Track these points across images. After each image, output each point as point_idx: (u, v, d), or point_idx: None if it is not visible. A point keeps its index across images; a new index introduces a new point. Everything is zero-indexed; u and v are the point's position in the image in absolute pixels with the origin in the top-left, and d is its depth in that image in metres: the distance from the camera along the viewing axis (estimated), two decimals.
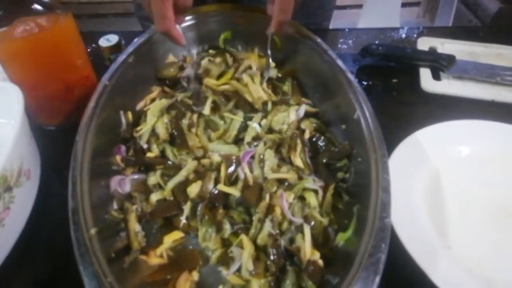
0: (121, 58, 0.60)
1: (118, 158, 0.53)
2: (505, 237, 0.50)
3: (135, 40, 0.63)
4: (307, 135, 0.57)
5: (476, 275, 0.45)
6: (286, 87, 0.66)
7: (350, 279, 0.37)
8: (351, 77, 0.57)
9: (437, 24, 2.03)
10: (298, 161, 0.52)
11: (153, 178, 0.53)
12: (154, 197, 0.51)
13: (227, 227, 0.47)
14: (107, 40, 0.77)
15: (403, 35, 0.90)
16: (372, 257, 0.38)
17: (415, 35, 0.89)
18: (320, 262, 0.43)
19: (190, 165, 0.52)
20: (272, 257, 0.44)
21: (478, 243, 0.49)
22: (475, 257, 0.47)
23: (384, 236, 0.40)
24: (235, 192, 0.48)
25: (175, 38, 0.55)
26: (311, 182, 0.50)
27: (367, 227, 0.41)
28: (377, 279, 0.37)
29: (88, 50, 0.84)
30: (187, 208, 0.48)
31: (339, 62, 0.60)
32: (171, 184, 0.51)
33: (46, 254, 0.51)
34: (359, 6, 2.00)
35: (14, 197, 0.46)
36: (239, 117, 0.58)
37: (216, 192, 0.48)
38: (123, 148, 0.56)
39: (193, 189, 0.49)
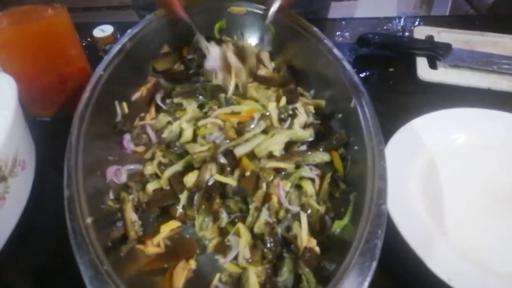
0: (116, 48, 0.59)
1: None
2: (500, 223, 0.50)
3: (130, 30, 0.63)
4: None
5: (471, 261, 0.45)
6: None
7: (347, 265, 0.37)
8: (347, 65, 0.57)
9: (433, 15, 2.02)
10: None
11: (150, 168, 0.52)
12: (151, 186, 0.51)
13: (224, 216, 0.47)
14: (102, 31, 0.76)
15: (400, 25, 0.90)
16: (368, 243, 0.38)
17: (411, 25, 0.88)
18: (317, 249, 0.43)
19: (189, 157, 0.52)
20: (269, 245, 0.44)
21: (473, 230, 0.49)
22: (471, 243, 0.48)
23: (380, 222, 0.40)
24: (231, 181, 0.48)
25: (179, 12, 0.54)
26: (308, 171, 0.50)
27: (363, 214, 0.41)
28: (374, 264, 0.37)
29: (84, 44, 0.83)
30: (183, 197, 0.48)
31: (335, 51, 0.59)
32: (168, 173, 0.50)
33: (42, 244, 0.50)
34: None
35: (9, 187, 0.46)
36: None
37: (212, 182, 0.48)
38: (127, 137, 0.56)
39: (190, 179, 0.49)
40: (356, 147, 0.51)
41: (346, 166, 0.52)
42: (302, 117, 0.55)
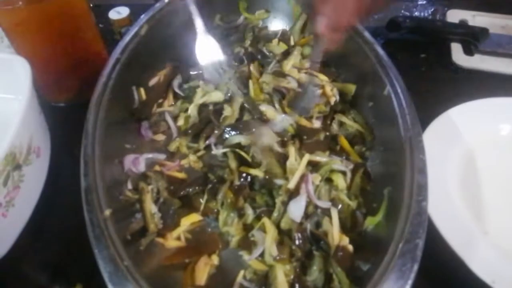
0: (133, 30, 0.56)
1: None
2: None
3: (147, 11, 0.59)
4: None
5: None
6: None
7: (385, 266, 0.34)
8: (380, 50, 0.53)
9: None
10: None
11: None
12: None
13: (250, 213, 0.44)
14: (117, 13, 0.73)
15: (431, 8, 0.84)
16: (408, 243, 0.35)
17: (444, 8, 0.82)
18: (350, 247, 0.40)
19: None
20: (297, 242, 0.41)
21: None
22: None
23: (421, 220, 0.37)
24: (259, 173, 0.45)
25: None
26: (339, 163, 0.46)
27: (401, 211, 0.38)
28: (415, 267, 0.34)
29: (100, 26, 0.80)
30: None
31: (366, 34, 0.55)
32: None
33: (58, 236, 0.49)
34: None
35: (23, 175, 0.44)
36: None
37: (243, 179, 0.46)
38: (145, 125, 0.54)
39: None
40: (390, 138, 0.47)
41: (372, 157, 0.50)
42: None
